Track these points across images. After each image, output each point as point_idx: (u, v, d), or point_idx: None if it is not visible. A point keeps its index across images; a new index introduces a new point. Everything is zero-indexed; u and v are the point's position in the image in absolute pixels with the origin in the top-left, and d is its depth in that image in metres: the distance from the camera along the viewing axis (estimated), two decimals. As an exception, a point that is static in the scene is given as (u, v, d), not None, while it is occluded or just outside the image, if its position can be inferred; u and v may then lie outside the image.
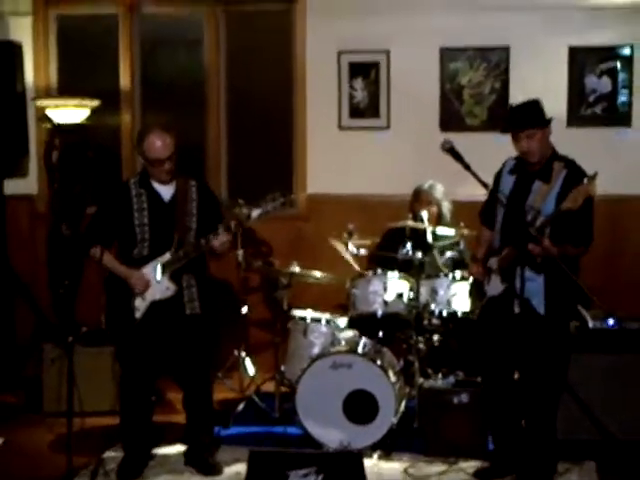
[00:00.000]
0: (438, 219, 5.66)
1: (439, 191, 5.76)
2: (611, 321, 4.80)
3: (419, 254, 5.14)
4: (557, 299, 4.25)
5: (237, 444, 4.95)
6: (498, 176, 4.53)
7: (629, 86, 6.21)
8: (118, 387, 4.70)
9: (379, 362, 4.88)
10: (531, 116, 4.31)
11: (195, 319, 4.50)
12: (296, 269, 5.38)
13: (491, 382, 4.53)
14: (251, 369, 5.93)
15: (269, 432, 5.19)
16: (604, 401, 4.68)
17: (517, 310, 4.19)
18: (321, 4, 6.39)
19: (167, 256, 4.38)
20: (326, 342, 5.29)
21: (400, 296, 5.13)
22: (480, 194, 5.67)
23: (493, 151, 6.10)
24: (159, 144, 4.35)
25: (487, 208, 4.62)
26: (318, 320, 5.38)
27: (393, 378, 4.87)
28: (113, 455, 4.80)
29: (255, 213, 4.32)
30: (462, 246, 5.44)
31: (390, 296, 5.13)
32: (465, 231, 5.26)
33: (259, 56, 6.65)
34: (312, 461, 3.56)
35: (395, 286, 5.16)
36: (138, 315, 4.40)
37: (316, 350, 5.27)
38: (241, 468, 4.64)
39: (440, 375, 5.15)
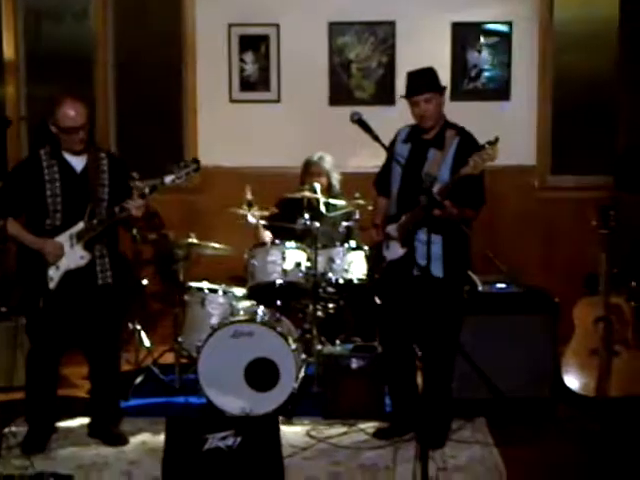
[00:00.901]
0: (328, 190, 5.80)
1: (328, 162, 5.89)
2: (499, 285, 5.05)
3: (316, 224, 5.26)
4: (454, 263, 4.46)
5: (138, 415, 4.98)
6: (392, 145, 4.65)
7: (508, 61, 6.50)
8: (24, 360, 4.65)
9: (279, 330, 5.00)
10: (428, 81, 4.50)
11: (106, 289, 4.50)
12: (194, 240, 5.42)
13: (390, 345, 4.71)
14: (147, 341, 5.94)
15: (170, 402, 5.24)
16: (493, 361, 4.90)
17: (416, 273, 4.41)
18: (210, -24, 6.42)
19: (80, 225, 4.35)
20: (224, 312, 5.37)
21: (298, 265, 5.25)
22: (368, 166, 5.91)
23: (381, 124, 6.38)
24: (72, 113, 4.30)
25: (382, 177, 4.77)
26: (215, 291, 5.46)
27: (293, 345, 4.99)
28: (14, 430, 4.76)
29: (168, 179, 4.35)
30: (357, 216, 5.58)
31: (289, 265, 5.25)
32: (360, 201, 5.41)
33: (148, 27, 6.62)
34: (229, 425, 3.65)
35: (293, 256, 5.28)
36: (52, 285, 4.36)
37: (214, 320, 5.34)
38: (146, 437, 4.72)
39: (338, 342, 5.31)
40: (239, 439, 3.61)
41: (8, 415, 4.97)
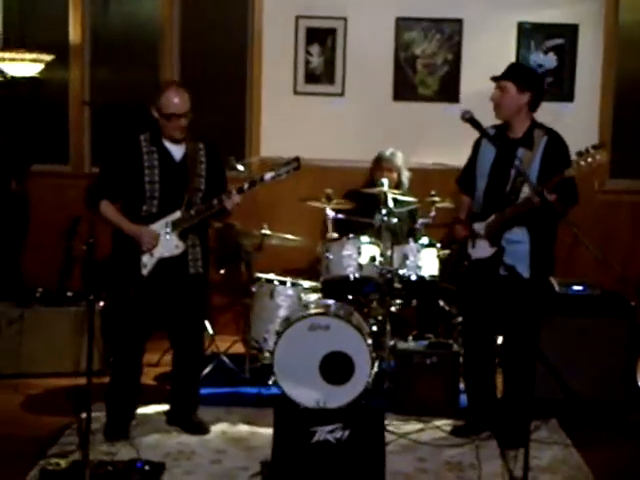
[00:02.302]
0: (397, 186, 5.83)
1: (400, 159, 5.93)
2: (576, 287, 5.08)
3: (394, 220, 5.28)
4: (540, 263, 4.46)
5: (211, 405, 4.99)
6: (477, 145, 4.66)
7: (572, 63, 6.52)
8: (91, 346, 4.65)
9: (356, 324, 5.03)
10: (510, 71, 4.51)
11: (197, 278, 4.52)
12: (267, 231, 5.44)
13: (472, 343, 4.73)
14: (210, 329, 5.96)
15: (241, 392, 5.28)
16: (567, 362, 4.92)
17: (502, 272, 4.43)
18: (280, -32, 6.41)
19: (177, 214, 4.37)
20: (293, 305, 5.40)
21: (373, 260, 5.28)
22: (428, 163, 5.94)
23: (444, 121, 6.47)
24: (177, 99, 4.33)
25: (466, 175, 4.76)
26: (284, 283, 5.48)
27: (369, 340, 5.02)
28: (92, 415, 4.79)
29: (268, 176, 4.38)
30: (433, 213, 5.59)
31: (364, 260, 5.27)
32: (436, 199, 5.45)
33: (215, 15, 6.61)
34: (337, 417, 3.67)
35: (368, 250, 5.31)
36: (145, 272, 4.38)
37: (282, 312, 5.38)
38: (225, 427, 4.75)
39: (410, 338, 5.34)
40: (347, 432, 3.64)
41: (81, 400, 5.02)
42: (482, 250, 4.53)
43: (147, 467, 3.89)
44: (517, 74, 4.50)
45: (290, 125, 6.55)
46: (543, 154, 4.41)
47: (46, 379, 5.45)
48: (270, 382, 5.18)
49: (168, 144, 4.43)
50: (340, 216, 5.45)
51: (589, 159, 4.04)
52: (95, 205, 4.41)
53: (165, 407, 4.82)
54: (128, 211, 4.42)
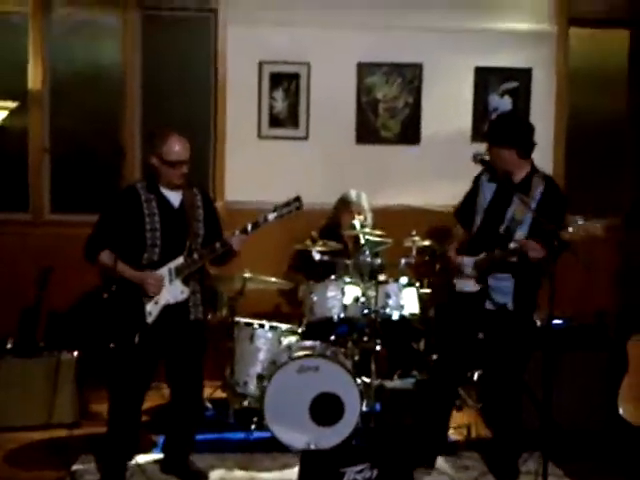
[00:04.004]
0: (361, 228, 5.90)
1: (365, 200, 6.02)
2: (557, 321, 5.22)
3: (378, 260, 5.35)
4: (524, 297, 4.56)
5: (199, 451, 4.89)
6: (477, 180, 4.74)
7: (527, 106, 6.74)
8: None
9: (344, 364, 5.05)
10: (491, 136, 4.61)
11: (198, 325, 4.49)
12: (248, 275, 5.43)
13: (444, 375, 4.73)
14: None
15: (227, 438, 5.22)
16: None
17: (489, 307, 4.53)
18: (243, 14, 6.44)
19: (180, 260, 4.34)
20: (272, 347, 5.40)
21: (356, 300, 5.32)
22: (392, 203, 6.01)
23: (405, 163, 6.61)
24: (178, 147, 4.33)
25: (465, 208, 4.82)
26: (262, 326, 5.48)
27: (358, 380, 5.04)
28: (81, 467, 4.69)
29: (271, 216, 4.40)
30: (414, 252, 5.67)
31: (348, 300, 5.31)
32: (417, 238, 5.54)
33: (178, 62, 6.60)
34: (364, 457, 3.67)
35: (351, 291, 5.35)
36: (150, 320, 4.32)
37: (262, 355, 5.37)
38: (223, 474, 4.70)
39: (396, 376, 5.38)
40: (376, 472, 3.64)
41: (62, 453, 4.91)
42: (468, 284, 4.61)
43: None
44: (498, 137, 4.55)
45: (255, 169, 6.57)
46: (539, 202, 4.49)
47: (21, 432, 5.29)
48: (253, 426, 5.15)
49: (165, 191, 4.42)
50: (325, 258, 5.49)
51: (583, 232, 4.08)
52: (95, 256, 4.35)
53: (154, 456, 4.75)
54: (129, 260, 4.36)
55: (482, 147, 6.41)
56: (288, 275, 6.06)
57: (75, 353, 5.55)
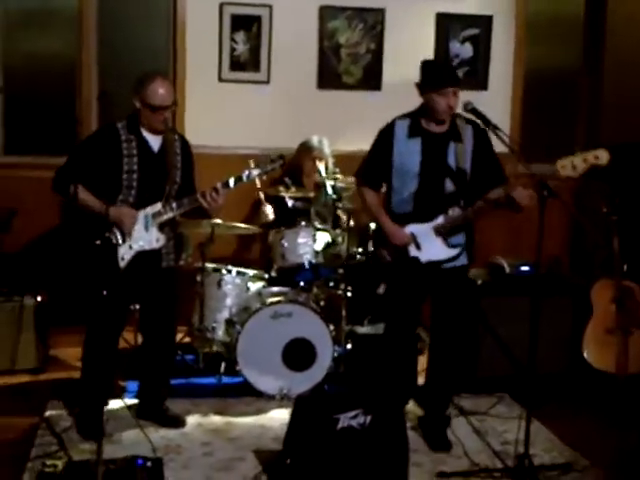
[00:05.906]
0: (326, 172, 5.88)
1: (327, 146, 5.99)
2: (524, 267, 5.30)
3: (347, 205, 5.34)
4: (472, 250, 4.55)
5: (173, 396, 4.82)
6: (389, 138, 4.42)
7: (487, 53, 6.77)
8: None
9: (316, 310, 5.06)
10: (457, 74, 4.56)
11: (169, 272, 4.44)
12: (218, 221, 5.37)
13: (403, 327, 4.65)
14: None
15: (198, 383, 5.22)
16: (516, 340, 5.13)
17: (447, 266, 4.44)
18: (204, -46, 6.30)
19: (158, 206, 4.26)
20: (240, 293, 5.38)
21: (328, 246, 5.32)
22: (354, 149, 5.97)
23: (366, 109, 6.58)
24: (162, 91, 4.22)
25: (373, 169, 4.54)
26: (230, 271, 5.44)
27: (330, 325, 5.07)
28: (54, 413, 4.64)
29: (255, 172, 4.34)
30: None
31: (319, 246, 5.31)
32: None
33: (137, 1, 6.42)
34: (357, 403, 3.69)
35: (322, 237, 5.35)
36: (123, 264, 4.24)
37: (229, 301, 5.35)
38: (200, 419, 4.70)
39: (366, 322, 5.42)
40: (369, 417, 3.67)
41: (35, 398, 4.86)
42: (436, 251, 4.41)
43: (149, 463, 3.79)
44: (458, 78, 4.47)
45: (215, 113, 6.47)
46: (473, 145, 4.38)
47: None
48: (222, 371, 5.16)
49: (146, 134, 4.32)
50: (298, 204, 5.45)
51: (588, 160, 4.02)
52: (64, 188, 4.20)
53: (127, 401, 4.72)
54: (103, 200, 4.24)
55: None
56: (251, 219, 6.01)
57: (39, 297, 5.43)
